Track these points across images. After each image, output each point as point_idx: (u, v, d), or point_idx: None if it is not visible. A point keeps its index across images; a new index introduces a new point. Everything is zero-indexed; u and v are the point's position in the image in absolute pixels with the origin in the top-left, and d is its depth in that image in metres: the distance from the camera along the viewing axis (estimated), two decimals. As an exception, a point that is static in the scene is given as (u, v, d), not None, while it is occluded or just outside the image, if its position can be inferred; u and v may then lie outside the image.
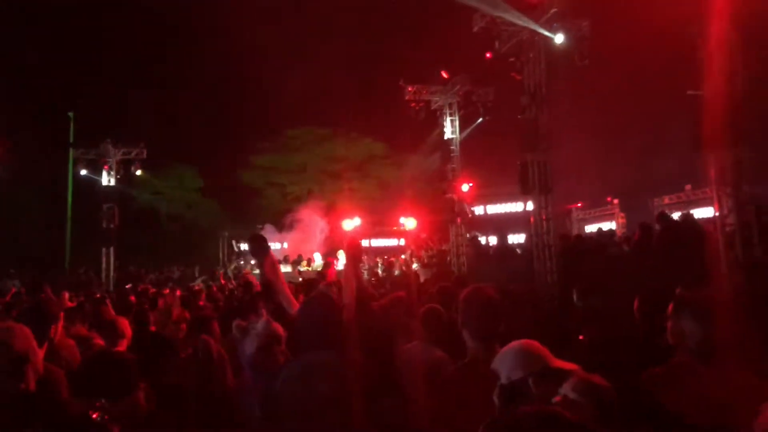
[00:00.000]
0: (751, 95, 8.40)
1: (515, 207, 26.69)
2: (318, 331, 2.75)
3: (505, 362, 2.30)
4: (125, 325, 4.54)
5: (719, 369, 2.66)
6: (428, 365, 3.39)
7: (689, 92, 8.96)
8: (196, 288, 11.46)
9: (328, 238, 27.72)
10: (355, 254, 3.90)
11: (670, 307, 2.95)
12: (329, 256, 21.38)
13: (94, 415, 1.89)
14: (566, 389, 2.00)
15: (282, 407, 2.52)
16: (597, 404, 1.96)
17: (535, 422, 1.32)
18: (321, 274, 10.46)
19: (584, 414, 1.87)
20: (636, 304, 3.99)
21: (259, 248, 3.93)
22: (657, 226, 11.55)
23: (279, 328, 3.03)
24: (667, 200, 22.76)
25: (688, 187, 21.84)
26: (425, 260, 19.40)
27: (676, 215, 17.73)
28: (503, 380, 2.26)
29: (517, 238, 21.69)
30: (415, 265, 18.41)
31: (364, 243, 28.70)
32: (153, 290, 11.21)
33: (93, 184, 20.63)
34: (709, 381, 2.59)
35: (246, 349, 2.95)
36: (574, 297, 5.84)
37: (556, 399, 1.98)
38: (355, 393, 2.64)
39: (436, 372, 3.20)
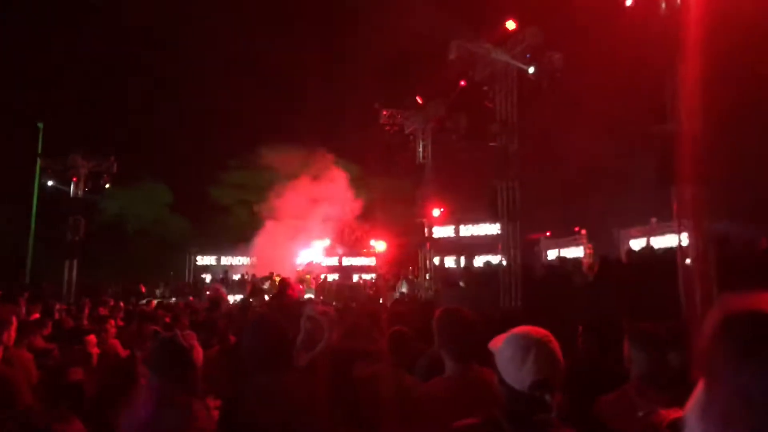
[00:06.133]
0: (715, 133, 8.66)
1: (486, 230, 26.88)
2: (268, 352, 2.74)
3: (525, 361, 1.94)
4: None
5: (669, 395, 2.75)
6: (397, 390, 3.36)
7: (655, 128, 9.19)
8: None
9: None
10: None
11: (625, 337, 3.10)
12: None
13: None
14: None
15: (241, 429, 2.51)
16: None
17: None
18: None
19: None
20: (579, 331, 4.10)
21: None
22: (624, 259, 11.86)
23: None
24: (633, 232, 23.18)
25: (653, 219, 22.27)
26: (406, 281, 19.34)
27: (639, 244, 18.18)
28: (528, 382, 1.92)
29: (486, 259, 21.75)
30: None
31: (335, 262, 28.70)
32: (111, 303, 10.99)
33: (60, 195, 20.26)
34: (657, 407, 2.66)
35: None
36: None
37: None
38: (315, 414, 2.65)
39: (406, 396, 3.19)
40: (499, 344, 2.07)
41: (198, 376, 2.83)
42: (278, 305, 7.99)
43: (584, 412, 2.89)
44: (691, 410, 0.66)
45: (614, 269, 10.99)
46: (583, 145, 22.48)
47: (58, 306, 9.88)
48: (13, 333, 3.42)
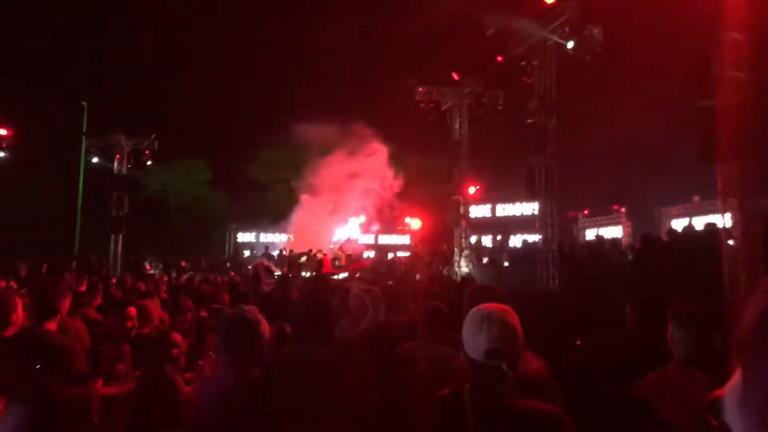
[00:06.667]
0: (761, 107, 8.39)
1: (522, 209, 26.69)
2: (310, 325, 2.78)
3: (480, 331, 2.04)
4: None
5: (713, 376, 2.74)
6: (435, 359, 3.42)
7: (699, 103, 8.93)
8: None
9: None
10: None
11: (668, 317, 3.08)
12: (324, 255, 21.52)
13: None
14: None
15: (273, 398, 2.58)
16: None
17: None
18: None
19: None
20: (628, 312, 4.08)
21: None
22: (665, 238, 11.68)
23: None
24: (674, 211, 22.68)
25: (696, 198, 21.76)
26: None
27: (681, 224, 17.80)
28: (485, 348, 2.01)
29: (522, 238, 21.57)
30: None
31: (370, 239, 28.89)
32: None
33: (104, 172, 20.77)
34: (700, 386, 2.65)
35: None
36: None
37: None
38: (348, 386, 2.70)
39: (445, 365, 3.26)
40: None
41: (266, 349, 2.84)
42: (317, 280, 8.14)
43: (629, 390, 2.90)
44: (729, 395, 0.68)
45: (656, 248, 10.80)
46: (623, 121, 22.00)
47: (114, 280, 10.23)
48: (67, 304, 3.59)
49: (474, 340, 2.05)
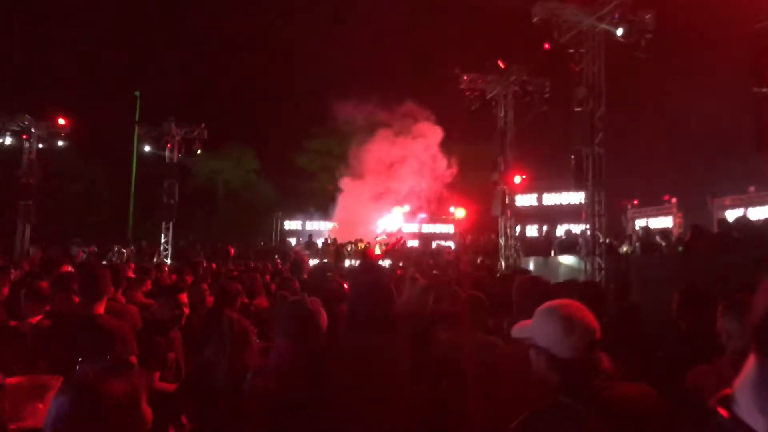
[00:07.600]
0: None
1: (570, 198, 26.18)
2: (372, 312, 2.80)
3: (573, 327, 2.00)
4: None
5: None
6: (478, 348, 3.45)
7: (755, 89, 8.66)
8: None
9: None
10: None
11: (719, 309, 3.00)
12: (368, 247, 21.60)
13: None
14: None
15: (332, 383, 2.63)
16: None
17: None
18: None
19: None
20: (676, 301, 4.00)
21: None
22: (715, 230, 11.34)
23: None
24: (728, 201, 21.92)
25: (751, 188, 20.97)
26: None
27: (735, 215, 17.22)
28: (583, 345, 1.97)
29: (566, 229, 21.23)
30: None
31: (414, 228, 28.88)
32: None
33: (156, 159, 21.28)
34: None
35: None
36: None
37: None
38: (402, 376, 2.75)
39: (489, 354, 3.27)
40: (530, 327, 2.11)
41: (323, 336, 2.90)
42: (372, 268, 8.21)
43: (678, 382, 2.86)
44: (743, 385, 0.66)
45: (707, 239, 10.49)
46: (675, 109, 21.36)
47: (165, 267, 10.52)
48: (114, 288, 3.72)
49: (568, 338, 1.99)
